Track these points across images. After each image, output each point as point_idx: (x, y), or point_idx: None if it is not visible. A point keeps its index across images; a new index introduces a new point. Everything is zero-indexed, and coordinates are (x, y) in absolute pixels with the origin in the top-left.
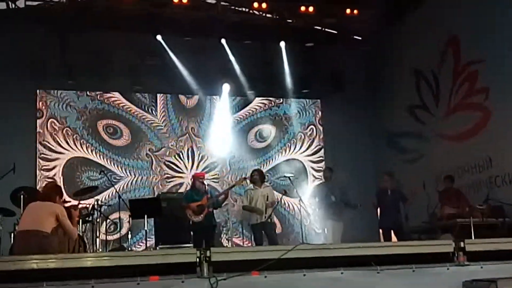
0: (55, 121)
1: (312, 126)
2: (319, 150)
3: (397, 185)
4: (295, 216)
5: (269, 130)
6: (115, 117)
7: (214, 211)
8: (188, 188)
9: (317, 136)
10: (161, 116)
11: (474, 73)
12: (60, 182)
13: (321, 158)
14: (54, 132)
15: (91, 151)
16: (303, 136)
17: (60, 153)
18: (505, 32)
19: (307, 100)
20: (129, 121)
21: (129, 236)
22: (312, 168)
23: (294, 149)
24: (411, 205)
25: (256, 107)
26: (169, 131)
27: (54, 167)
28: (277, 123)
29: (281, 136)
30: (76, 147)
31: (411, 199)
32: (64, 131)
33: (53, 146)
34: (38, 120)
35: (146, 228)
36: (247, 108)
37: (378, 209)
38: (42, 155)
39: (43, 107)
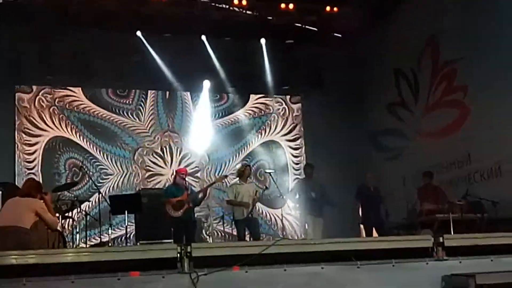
0: (42, 99)
1: (285, 107)
2: (294, 128)
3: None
4: (271, 226)
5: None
6: (96, 113)
7: (195, 207)
8: (168, 184)
9: (290, 115)
10: (141, 112)
11: (453, 71)
12: (38, 170)
13: (297, 135)
14: (40, 108)
15: (75, 133)
16: (277, 117)
17: (43, 130)
18: (483, 31)
19: (288, 96)
20: (108, 118)
21: (109, 231)
22: (290, 147)
23: (269, 130)
24: (391, 202)
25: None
26: (149, 127)
27: (36, 143)
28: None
29: (257, 123)
30: (61, 126)
31: (391, 196)
32: (50, 110)
33: (38, 122)
34: (26, 95)
35: (126, 224)
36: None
37: (360, 206)
38: (25, 129)
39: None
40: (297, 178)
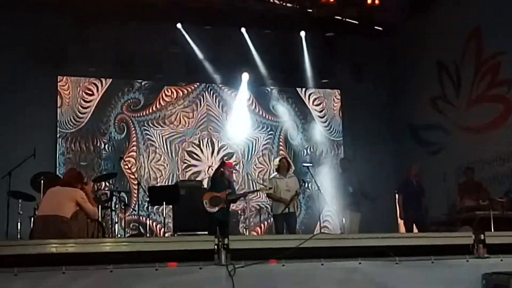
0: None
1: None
2: (333, 122)
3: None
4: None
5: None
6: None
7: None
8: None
9: (330, 108)
10: (181, 105)
11: (497, 65)
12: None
13: (330, 121)
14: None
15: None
16: (316, 111)
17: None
18: None
19: (328, 89)
20: (149, 110)
21: (148, 222)
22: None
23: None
24: (431, 197)
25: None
26: (188, 120)
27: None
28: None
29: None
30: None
31: (431, 191)
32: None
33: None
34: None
35: (164, 215)
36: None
37: (401, 200)
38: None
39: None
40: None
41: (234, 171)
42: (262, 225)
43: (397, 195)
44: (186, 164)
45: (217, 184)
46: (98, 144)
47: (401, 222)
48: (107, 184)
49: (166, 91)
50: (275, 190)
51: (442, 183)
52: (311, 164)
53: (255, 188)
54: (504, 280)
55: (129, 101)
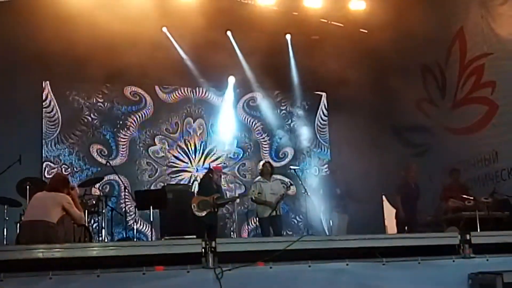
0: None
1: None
2: (319, 124)
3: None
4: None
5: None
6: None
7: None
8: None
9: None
10: (166, 109)
11: (481, 67)
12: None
13: (317, 124)
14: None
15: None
16: (301, 113)
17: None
18: None
19: (312, 93)
20: (147, 97)
21: (135, 227)
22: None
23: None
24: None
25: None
26: (175, 124)
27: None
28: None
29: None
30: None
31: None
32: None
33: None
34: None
35: (151, 219)
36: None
37: (399, 201)
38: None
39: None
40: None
41: (222, 175)
42: (249, 228)
43: (385, 197)
44: (173, 168)
45: (205, 188)
46: (86, 149)
47: (388, 223)
48: (94, 188)
49: (152, 95)
50: (260, 194)
51: (428, 184)
52: (298, 167)
53: (242, 193)
54: (490, 280)
55: (117, 105)
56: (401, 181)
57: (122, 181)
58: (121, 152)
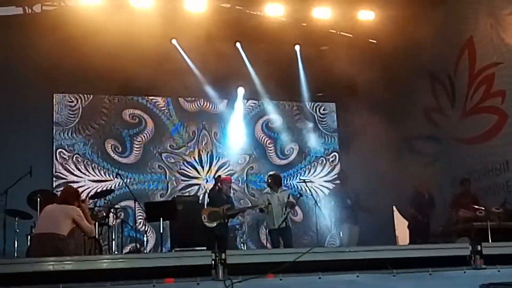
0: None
1: (335, 153)
2: (329, 135)
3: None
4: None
5: (291, 148)
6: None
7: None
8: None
9: (339, 164)
10: (176, 121)
11: (491, 76)
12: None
13: (327, 134)
14: (64, 161)
15: (104, 173)
16: (324, 161)
17: (73, 182)
18: None
19: (323, 104)
20: (147, 118)
21: (145, 239)
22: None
23: (314, 171)
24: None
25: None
26: (185, 135)
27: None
28: (298, 138)
29: (303, 157)
30: (88, 171)
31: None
32: (74, 159)
33: (65, 175)
34: None
35: (161, 231)
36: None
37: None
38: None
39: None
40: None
41: (231, 186)
42: (259, 241)
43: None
44: (183, 179)
45: (215, 199)
46: (96, 161)
47: (399, 234)
48: (104, 200)
49: (161, 106)
50: (268, 206)
51: (438, 194)
52: (308, 178)
53: (253, 203)
54: None
55: (126, 117)
56: (414, 192)
57: (132, 194)
58: (132, 163)
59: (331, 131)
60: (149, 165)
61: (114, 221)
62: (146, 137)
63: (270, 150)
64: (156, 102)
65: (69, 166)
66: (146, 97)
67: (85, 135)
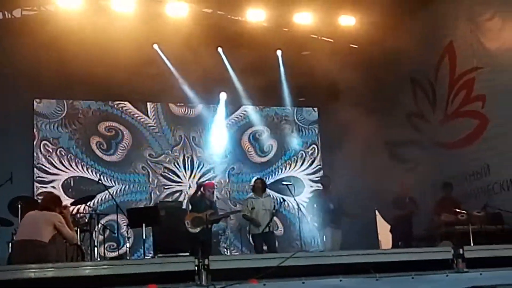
0: (47, 143)
1: (314, 146)
2: (320, 170)
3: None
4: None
5: (270, 145)
6: (110, 126)
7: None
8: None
9: (318, 156)
10: (157, 125)
11: (471, 81)
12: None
13: (308, 139)
14: (48, 154)
15: (87, 169)
16: (304, 155)
17: (55, 174)
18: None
19: (305, 108)
20: (124, 130)
21: (127, 245)
22: (311, 187)
23: (295, 166)
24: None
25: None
26: (165, 141)
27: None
28: (278, 137)
29: (282, 153)
30: (71, 167)
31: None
32: (57, 152)
33: (48, 168)
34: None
35: (144, 237)
36: (246, 118)
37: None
38: (38, 178)
39: (35, 130)
40: (314, 189)
41: (215, 191)
42: (242, 246)
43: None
44: (165, 185)
45: (198, 205)
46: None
47: (381, 238)
48: (86, 206)
49: (143, 112)
50: (251, 210)
51: (420, 199)
52: (290, 182)
53: (236, 209)
54: None
55: (106, 123)
56: (395, 197)
57: (114, 199)
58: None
59: (308, 124)
60: (133, 165)
61: (96, 227)
62: (127, 144)
63: (250, 152)
64: (135, 107)
65: (52, 159)
66: (123, 103)
67: (71, 130)
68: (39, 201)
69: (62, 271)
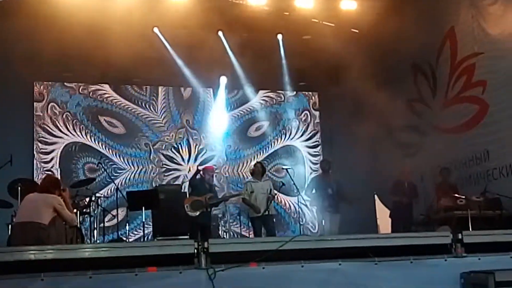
0: (55, 105)
1: (306, 112)
2: (314, 135)
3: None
4: (290, 214)
5: (264, 123)
6: (111, 111)
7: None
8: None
9: (312, 121)
10: (158, 109)
11: (472, 66)
12: (57, 167)
13: (317, 143)
14: (54, 116)
15: (90, 137)
16: (298, 122)
17: (59, 137)
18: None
19: (305, 92)
20: (124, 114)
21: (127, 227)
22: (309, 153)
23: (290, 135)
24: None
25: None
26: (166, 124)
27: (52, 151)
28: (273, 115)
29: (276, 123)
30: (76, 132)
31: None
32: (64, 116)
33: (52, 129)
34: (38, 104)
35: (143, 220)
36: (245, 105)
37: (393, 202)
38: (40, 138)
39: (44, 90)
40: (314, 174)
41: (214, 174)
42: (243, 225)
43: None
44: (165, 168)
45: (197, 188)
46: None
47: (380, 223)
48: (85, 189)
49: (143, 94)
50: (250, 194)
51: (420, 184)
52: (290, 167)
53: (235, 192)
54: (482, 279)
55: (106, 104)
56: (395, 182)
57: (114, 182)
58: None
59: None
60: (136, 140)
61: (96, 210)
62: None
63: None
64: (137, 90)
65: (58, 122)
66: (127, 86)
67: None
68: (39, 183)
69: (62, 253)
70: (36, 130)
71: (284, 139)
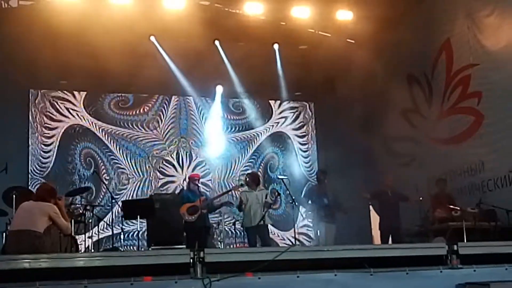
0: (50, 114)
1: (302, 122)
2: (310, 144)
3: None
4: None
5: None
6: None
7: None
8: (183, 189)
9: (307, 131)
10: (154, 117)
11: (467, 77)
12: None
13: (312, 152)
14: (49, 124)
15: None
16: (290, 123)
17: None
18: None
19: (301, 102)
20: (119, 123)
21: (122, 236)
22: (304, 162)
23: (278, 123)
24: (405, 208)
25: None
26: (161, 133)
27: (47, 159)
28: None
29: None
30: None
31: (404, 203)
32: (59, 124)
33: (47, 138)
34: (33, 112)
35: (138, 229)
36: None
37: (377, 209)
38: (35, 146)
39: (40, 98)
40: (310, 184)
41: (199, 181)
42: (237, 238)
43: (372, 207)
44: (160, 178)
45: (189, 197)
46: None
47: (376, 233)
48: (80, 198)
49: (139, 104)
50: (245, 204)
51: (414, 195)
52: (285, 177)
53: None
54: None
55: (102, 113)
56: (375, 191)
57: (109, 191)
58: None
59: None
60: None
61: (91, 219)
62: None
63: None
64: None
65: (52, 130)
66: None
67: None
68: (34, 191)
69: (57, 262)
70: (31, 138)
71: (276, 126)
